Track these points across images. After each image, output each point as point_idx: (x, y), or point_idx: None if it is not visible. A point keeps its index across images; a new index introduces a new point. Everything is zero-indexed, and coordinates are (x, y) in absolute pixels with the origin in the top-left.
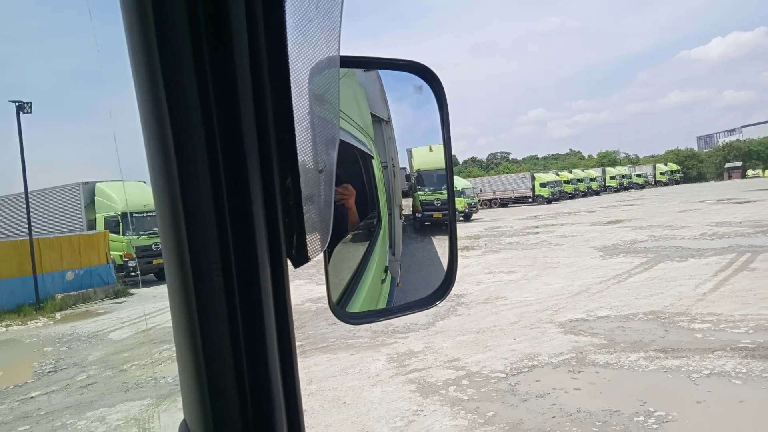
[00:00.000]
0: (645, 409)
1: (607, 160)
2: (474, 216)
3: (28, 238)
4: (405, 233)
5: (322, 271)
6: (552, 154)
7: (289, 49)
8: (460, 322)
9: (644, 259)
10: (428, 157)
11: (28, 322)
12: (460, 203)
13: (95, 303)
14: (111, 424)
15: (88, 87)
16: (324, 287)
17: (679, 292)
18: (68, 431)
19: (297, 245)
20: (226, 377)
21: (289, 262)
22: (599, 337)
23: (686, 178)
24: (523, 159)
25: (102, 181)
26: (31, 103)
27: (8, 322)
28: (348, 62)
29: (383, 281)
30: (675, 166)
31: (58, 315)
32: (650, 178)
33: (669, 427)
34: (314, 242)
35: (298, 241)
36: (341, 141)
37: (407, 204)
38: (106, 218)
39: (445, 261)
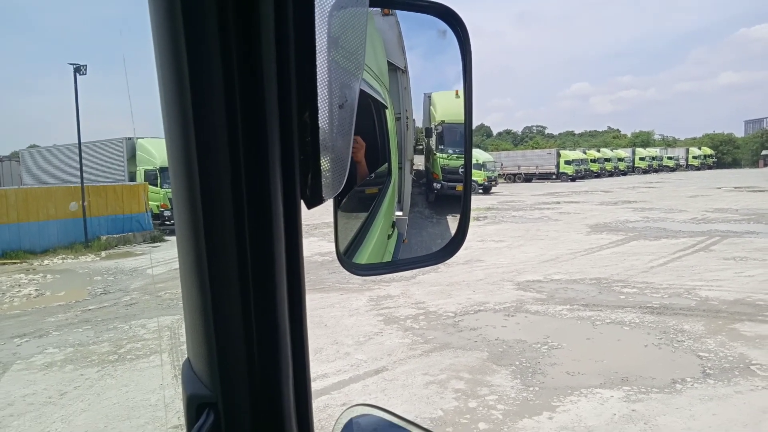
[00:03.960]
0: (545, 341)
1: (640, 140)
2: (493, 190)
3: (79, 185)
4: (415, 207)
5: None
6: (589, 131)
7: None
8: (436, 277)
9: (623, 236)
10: (454, 105)
11: (79, 257)
12: (479, 176)
13: (134, 246)
14: (150, 329)
15: (135, 41)
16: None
17: (631, 265)
18: (118, 332)
19: (312, 185)
20: (233, 318)
21: (302, 203)
22: (542, 294)
23: (720, 164)
24: (559, 134)
25: (143, 137)
26: (86, 65)
27: (63, 256)
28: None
29: (390, 236)
30: (709, 151)
31: (103, 253)
32: (682, 162)
33: (555, 352)
34: (329, 184)
35: (313, 180)
36: None
37: (418, 161)
38: (145, 171)
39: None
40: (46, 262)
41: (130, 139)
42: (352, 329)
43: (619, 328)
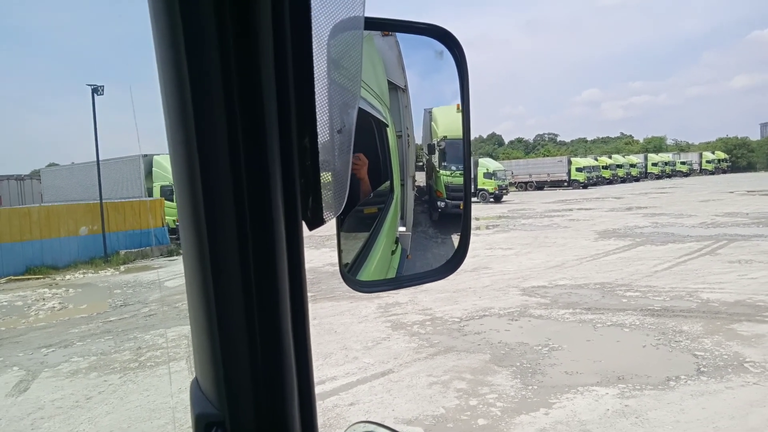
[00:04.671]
0: (546, 343)
1: (653, 146)
2: (504, 198)
3: (98, 201)
4: (419, 227)
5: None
6: (602, 138)
7: (312, 5)
8: (444, 284)
9: (630, 242)
10: (456, 119)
11: (99, 272)
12: (490, 185)
13: (152, 259)
14: (168, 338)
15: (150, 60)
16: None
17: (636, 270)
18: (138, 342)
19: (312, 207)
20: (238, 338)
21: (304, 225)
22: (546, 299)
23: (734, 168)
24: (572, 141)
25: (159, 154)
26: (103, 86)
27: (84, 271)
28: (368, 24)
29: (393, 252)
30: (723, 155)
31: (122, 267)
32: (695, 166)
33: (555, 353)
34: (330, 205)
35: (314, 203)
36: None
37: (419, 178)
38: (162, 187)
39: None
40: (68, 276)
41: (146, 155)
42: (360, 335)
43: (619, 330)
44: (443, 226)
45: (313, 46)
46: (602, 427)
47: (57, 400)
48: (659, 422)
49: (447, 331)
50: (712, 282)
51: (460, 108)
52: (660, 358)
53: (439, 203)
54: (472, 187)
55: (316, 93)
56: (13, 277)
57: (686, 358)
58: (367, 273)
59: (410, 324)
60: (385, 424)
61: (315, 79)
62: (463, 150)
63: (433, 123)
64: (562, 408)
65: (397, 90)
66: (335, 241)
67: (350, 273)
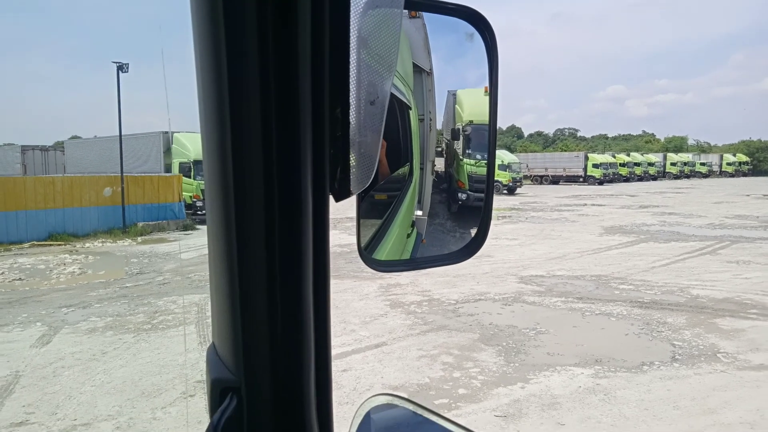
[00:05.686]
0: (534, 327)
1: (673, 145)
2: (518, 191)
3: (119, 174)
4: (436, 219)
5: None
6: (623, 135)
7: None
8: (444, 268)
9: (634, 238)
10: (483, 103)
11: (117, 242)
12: (504, 177)
13: (168, 233)
14: (180, 304)
15: (173, 39)
16: (353, 234)
17: (634, 265)
18: (152, 307)
19: (340, 178)
20: (258, 305)
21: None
22: (541, 287)
23: (756, 171)
24: (592, 137)
25: (179, 132)
26: (128, 64)
27: (103, 240)
28: None
29: (409, 235)
30: (744, 157)
31: (139, 239)
32: (715, 168)
33: (541, 336)
34: (357, 178)
35: (342, 174)
36: None
37: (438, 164)
38: (180, 163)
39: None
40: (87, 244)
41: (166, 133)
42: (360, 311)
43: (606, 319)
44: (463, 219)
45: (351, 16)
46: (571, 401)
47: (76, 353)
48: (625, 400)
49: (442, 312)
50: (706, 280)
51: (488, 92)
52: (639, 346)
53: (460, 195)
54: None
55: (351, 65)
56: (36, 243)
57: (664, 346)
58: (382, 253)
59: (408, 303)
60: (405, 396)
61: (351, 49)
62: (488, 137)
63: (457, 106)
64: (538, 383)
65: (421, 73)
66: (346, 224)
67: (367, 251)
